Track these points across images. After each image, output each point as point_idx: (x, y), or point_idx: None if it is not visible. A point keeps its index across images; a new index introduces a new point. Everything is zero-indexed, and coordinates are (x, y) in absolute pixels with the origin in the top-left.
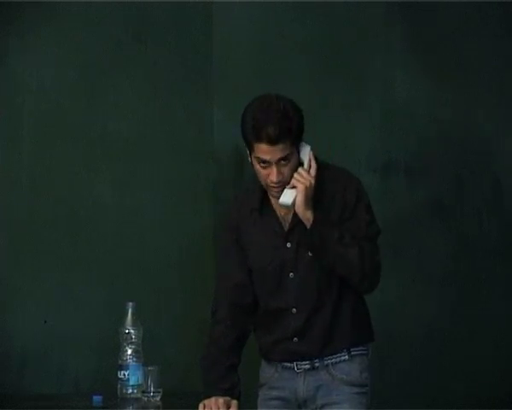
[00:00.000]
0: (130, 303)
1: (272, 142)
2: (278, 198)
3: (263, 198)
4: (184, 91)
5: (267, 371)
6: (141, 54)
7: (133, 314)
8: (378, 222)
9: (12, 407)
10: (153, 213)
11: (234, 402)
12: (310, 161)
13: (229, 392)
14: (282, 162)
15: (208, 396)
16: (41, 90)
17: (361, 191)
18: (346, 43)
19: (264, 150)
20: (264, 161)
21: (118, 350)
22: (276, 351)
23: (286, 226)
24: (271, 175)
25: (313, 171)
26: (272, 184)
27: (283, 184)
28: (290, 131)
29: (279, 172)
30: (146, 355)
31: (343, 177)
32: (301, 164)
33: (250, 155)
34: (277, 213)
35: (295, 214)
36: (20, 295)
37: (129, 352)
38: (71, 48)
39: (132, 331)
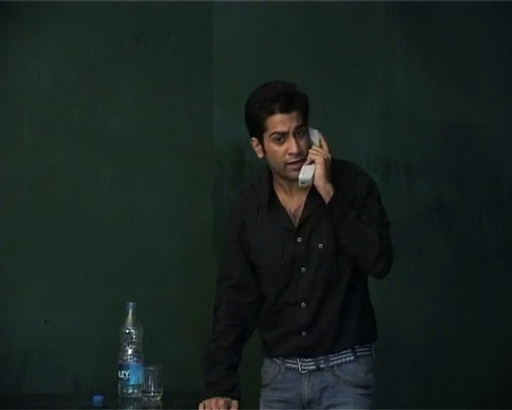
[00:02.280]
0: (131, 303)
1: (286, 109)
2: (296, 178)
3: (271, 194)
4: (184, 91)
5: (270, 372)
6: (141, 54)
7: (133, 314)
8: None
9: (12, 407)
10: (153, 213)
11: (234, 403)
12: (320, 141)
13: (230, 393)
14: (298, 135)
15: (208, 397)
16: (41, 90)
17: (372, 184)
18: (346, 43)
19: (279, 121)
20: (281, 135)
21: (118, 350)
22: (282, 346)
23: (296, 222)
24: (290, 147)
25: (325, 148)
26: (292, 159)
27: (302, 159)
28: (301, 99)
29: (297, 143)
30: (146, 355)
31: (354, 170)
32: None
33: (262, 141)
34: (286, 208)
35: (305, 209)
36: (20, 295)
37: (129, 352)
38: (71, 48)
39: (133, 331)
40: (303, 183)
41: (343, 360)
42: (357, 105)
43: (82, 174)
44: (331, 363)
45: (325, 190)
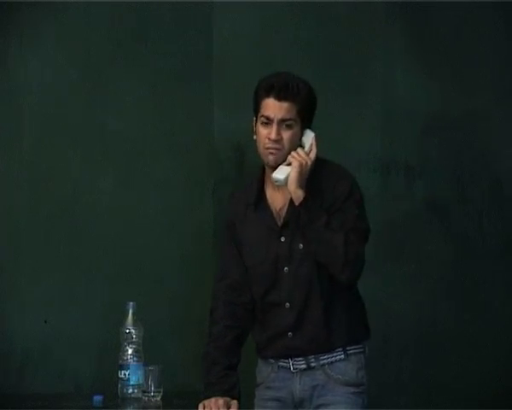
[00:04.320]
0: (131, 303)
1: (280, 97)
2: (270, 164)
3: (259, 193)
4: (184, 91)
5: (264, 371)
6: (141, 54)
7: (134, 314)
8: (369, 222)
9: (12, 407)
10: (153, 213)
11: (234, 402)
12: (311, 145)
13: (229, 392)
14: (284, 126)
15: (208, 397)
16: (41, 90)
17: (354, 187)
18: (345, 43)
19: (270, 105)
20: (267, 119)
21: (118, 350)
22: (272, 347)
23: (280, 221)
24: (271, 133)
25: (313, 155)
26: (269, 144)
27: (280, 151)
28: (298, 94)
29: (278, 132)
30: (146, 355)
31: (337, 172)
32: (302, 147)
33: (256, 122)
34: (272, 208)
35: (289, 208)
36: (20, 295)
37: (129, 352)
38: (71, 48)
39: (133, 331)
40: (276, 181)
41: (334, 358)
42: (357, 105)
43: (82, 174)
44: (322, 362)
45: (295, 195)
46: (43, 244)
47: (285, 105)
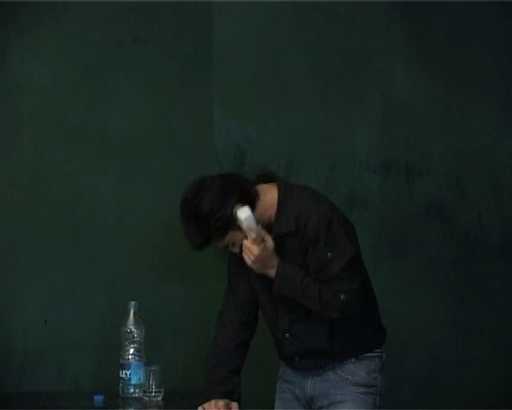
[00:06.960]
0: (132, 303)
1: (204, 246)
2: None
3: None
4: (184, 91)
5: (283, 365)
6: (141, 54)
7: (135, 314)
8: (355, 243)
9: (12, 407)
10: (153, 214)
11: (234, 404)
12: (248, 228)
13: (230, 394)
14: (230, 245)
15: (208, 398)
16: (41, 90)
17: (324, 220)
18: (345, 43)
19: None
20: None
21: (118, 350)
22: (286, 365)
23: None
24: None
25: (255, 242)
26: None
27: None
28: (208, 239)
29: (233, 249)
30: (147, 355)
31: (308, 205)
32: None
33: None
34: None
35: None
36: (20, 295)
37: (130, 351)
38: (71, 48)
39: (134, 331)
40: None
41: (345, 362)
42: (357, 105)
43: (82, 174)
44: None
45: (270, 276)
46: (43, 244)
47: (215, 242)
